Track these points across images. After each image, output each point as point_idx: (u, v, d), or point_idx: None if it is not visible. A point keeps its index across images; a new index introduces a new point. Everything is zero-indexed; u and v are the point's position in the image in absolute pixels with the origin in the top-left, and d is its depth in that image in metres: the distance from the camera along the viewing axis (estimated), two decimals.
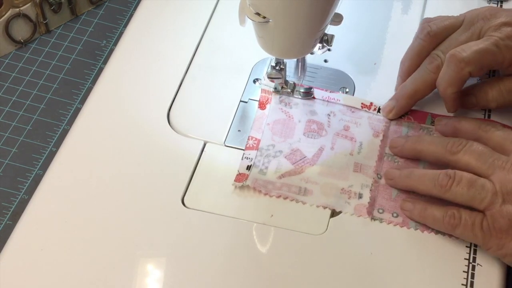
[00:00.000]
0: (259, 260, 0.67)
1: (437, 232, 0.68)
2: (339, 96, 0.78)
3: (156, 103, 0.77)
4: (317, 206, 0.70)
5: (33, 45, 0.89)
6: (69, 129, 0.76)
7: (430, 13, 0.81)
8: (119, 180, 0.72)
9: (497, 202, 0.65)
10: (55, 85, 0.86)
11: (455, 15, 0.78)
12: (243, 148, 0.74)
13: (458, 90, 0.73)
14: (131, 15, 0.89)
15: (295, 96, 0.78)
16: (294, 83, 0.78)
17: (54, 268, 0.66)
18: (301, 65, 0.80)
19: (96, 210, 0.70)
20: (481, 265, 0.67)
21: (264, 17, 0.68)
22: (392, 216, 0.70)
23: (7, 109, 0.83)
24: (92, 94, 0.78)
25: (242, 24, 0.72)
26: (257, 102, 0.77)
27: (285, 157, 0.73)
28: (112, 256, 0.67)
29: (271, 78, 0.76)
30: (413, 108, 0.77)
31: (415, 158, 0.73)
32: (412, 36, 0.78)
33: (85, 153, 0.74)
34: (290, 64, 0.79)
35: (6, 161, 0.79)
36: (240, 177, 0.72)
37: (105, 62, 0.86)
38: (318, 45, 0.74)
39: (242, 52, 0.82)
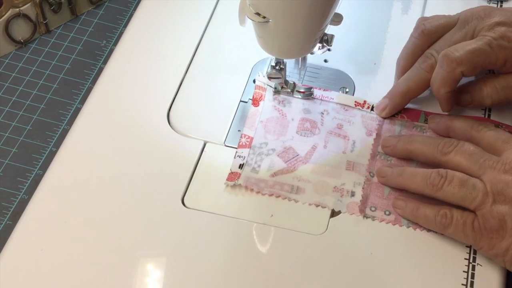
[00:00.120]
0: (259, 260, 0.67)
1: (429, 230, 0.68)
2: (333, 94, 0.78)
3: (156, 103, 0.77)
4: (310, 204, 0.70)
5: (33, 45, 0.89)
6: (69, 129, 0.76)
7: (430, 13, 0.81)
8: (119, 180, 0.72)
9: (488, 202, 0.65)
10: (55, 85, 0.86)
11: None
12: None
13: (451, 90, 0.73)
14: (131, 15, 0.89)
15: (295, 96, 0.78)
16: (294, 83, 0.78)
17: (54, 268, 0.66)
18: (301, 65, 0.80)
19: (96, 210, 0.70)
20: (481, 265, 0.67)
21: (264, 17, 0.68)
22: (385, 214, 0.70)
23: (7, 109, 0.83)
24: (92, 94, 0.78)
25: (242, 24, 0.72)
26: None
27: (278, 155, 0.73)
28: (112, 256, 0.67)
29: (271, 78, 0.76)
30: (407, 106, 0.77)
31: (407, 158, 0.73)
32: None
33: (85, 153, 0.74)
34: (290, 64, 0.79)
35: (6, 161, 0.79)
36: (233, 176, 0.71)
37: (105, 62, 0.86)
38: (318, 45, 0.74)
39: (242, 52, 0.82)
